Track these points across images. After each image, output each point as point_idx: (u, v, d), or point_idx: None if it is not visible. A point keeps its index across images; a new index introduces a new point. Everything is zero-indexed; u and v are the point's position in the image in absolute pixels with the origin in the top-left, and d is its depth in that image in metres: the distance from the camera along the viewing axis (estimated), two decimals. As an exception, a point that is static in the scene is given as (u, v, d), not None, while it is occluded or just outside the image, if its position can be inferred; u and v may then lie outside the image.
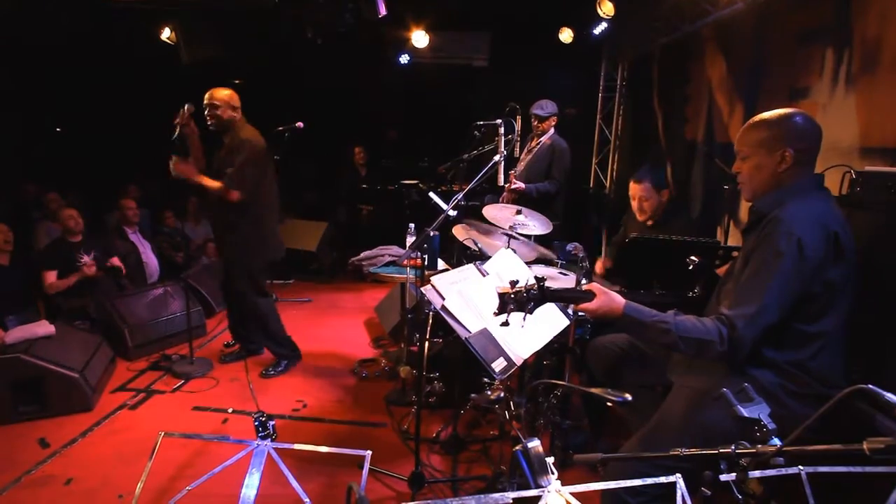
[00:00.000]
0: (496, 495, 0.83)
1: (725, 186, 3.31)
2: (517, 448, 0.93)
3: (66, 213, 4.24)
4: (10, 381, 2.96)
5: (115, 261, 4.35)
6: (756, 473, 0.98)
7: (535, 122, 4.26)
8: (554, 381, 1.46)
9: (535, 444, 0.92)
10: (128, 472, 2.55)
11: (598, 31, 5.21)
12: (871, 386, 0.86)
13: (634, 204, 3.04)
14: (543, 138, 4.28)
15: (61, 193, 5.12)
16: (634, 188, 3.00)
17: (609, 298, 1.60)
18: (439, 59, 6.40)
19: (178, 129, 3.32)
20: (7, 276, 3.92)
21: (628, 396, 1.11)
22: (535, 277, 1.56)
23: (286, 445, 1.19)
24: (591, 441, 2.62)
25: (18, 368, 2.97)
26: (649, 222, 3.07)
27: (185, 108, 3.32)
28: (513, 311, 1.55)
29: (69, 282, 4.08)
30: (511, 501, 0.83)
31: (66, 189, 5.43)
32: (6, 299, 3.78)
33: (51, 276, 4.03)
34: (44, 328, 3.21)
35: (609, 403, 1.15)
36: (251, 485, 1.17)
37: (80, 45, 5.78)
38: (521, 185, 4.12)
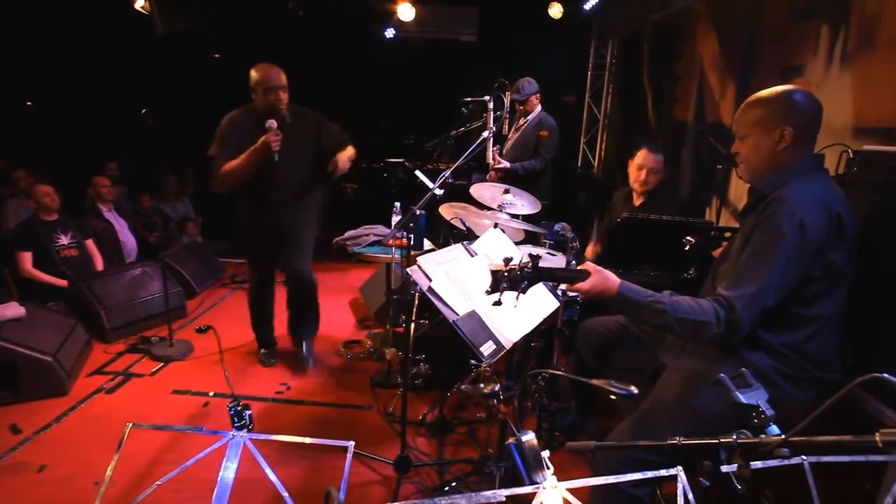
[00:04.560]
0: (488, 493, 0.78)
1: (718, 166, 3.26)
2: (510, 441, 0.87)
3: (42, 189, 3.97)
4: (-21, 365, 2.85)
5: None
6: (758, 464, 0.93)
7: (518, 106, 4.18)
8: (553, 371, 1.41)
9: (529, 437, 0.87)
10: (104, 459, 2.46)
11: (588, 6, 5.10)
12: (886, 375, 0.82)
13: (640, 174, 2.98)
14: (530, 117, 4.19)
15: (31, 170, 4.91)
16: (647, 157, 2.95)
17: (604, 278, 1.55)
18: (426, 34, 6.22)
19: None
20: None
21: (634, 389, 1.05)
22: (530, 255, 1.49)
23: (263, 436, 1.12)
24: (578, 422, 2.61)
25: (-13, 352, 2.85)
26: (637, 201, 3.02)
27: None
28: (506, 289, 1.49)
29: (51, 279, 3.90)
30: (504, 499, 0.78)
31: (36, 165, 5.21)
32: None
33: (26, 258, 3.86)
34: (13, 310, 3.08)
35: (613, 397, 1.09)
36: (227, 474, 1.11)
37: (50, 14, 5.51)
38: (505, 163, 4.04)
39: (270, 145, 2.84)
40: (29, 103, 7.45)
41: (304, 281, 3.39)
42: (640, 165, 2.98)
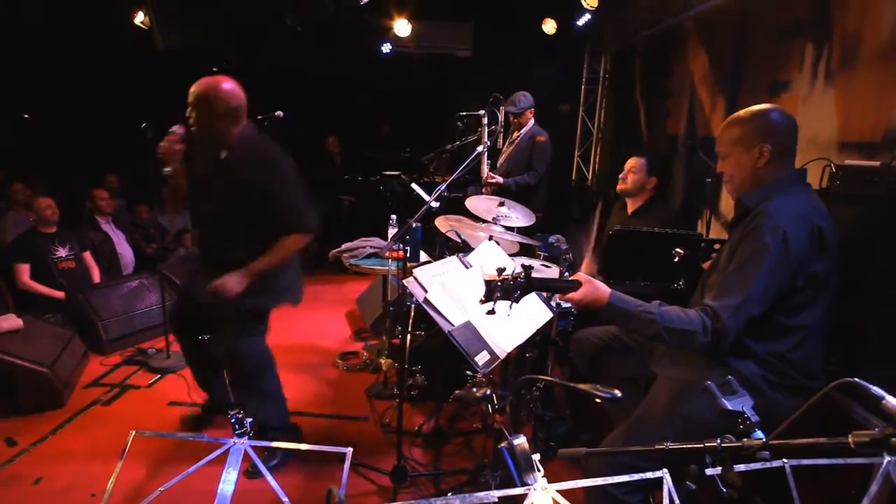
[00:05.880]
0: (481, 494, 0.81)
1: (708, 180, 3.33)
2: (502, 445, 0.91)
3: (43, 202, 4.00)
4: (-24, 377, 2.86)
5: None
6: (741, 467, 0.97)
7: (512, 118, 4.24)
8: (541, 377, 1.44)
9: (520, 440, 0.90)
10: (101, 470, 2.47)
11: (581, 22, 5.20)
12: (857, 380, 0.86)
13: (622, 174, 3.07)
14: (523, 130, 4.26)
15: (29, 183, 4.93)
16: (630, 160, 3.05)
17: (594, 287, 1.60)
18: (422, 49, 6.32)
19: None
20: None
21: (618, 393, 1.09)
22: (522, 265, 1.54)
23: (264, 443, 1.15)
24: (573, 432, 2.63)
25: (-16, 364, 2.86)
26: (630, 209, 3.08)
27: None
28: (499, 299, 1.53)
29: (48, 291, 3.93)
30: (496, 500, 0.81)
31: (35, 178, 5.23)
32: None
33: (23, 270, 3.88)
34: (10, 322, 3.09)
35: (598, 400, 1.12)
36: (228, 482, 1.13)
37: (50, 27, 5.57)
38: (498, 178, 4.10)
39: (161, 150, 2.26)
40: (26, 115, 7.49)
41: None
42: (624, 168, 3.06)
